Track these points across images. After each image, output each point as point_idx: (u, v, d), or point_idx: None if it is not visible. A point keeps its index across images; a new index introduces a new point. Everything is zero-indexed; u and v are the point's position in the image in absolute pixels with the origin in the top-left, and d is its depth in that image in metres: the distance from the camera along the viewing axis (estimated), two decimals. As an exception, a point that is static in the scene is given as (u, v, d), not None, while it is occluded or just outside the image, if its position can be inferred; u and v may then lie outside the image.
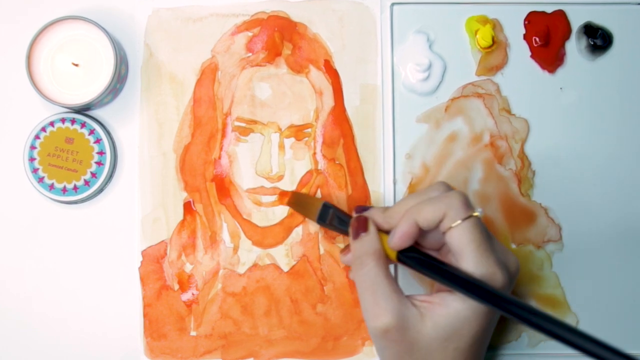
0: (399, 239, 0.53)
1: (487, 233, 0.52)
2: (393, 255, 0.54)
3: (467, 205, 0.52)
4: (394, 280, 0.53)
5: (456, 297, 0.51)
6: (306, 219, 0.64)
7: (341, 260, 0.58)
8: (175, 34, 0.66)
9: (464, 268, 0.51)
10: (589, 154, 0.66)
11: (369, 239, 0.54)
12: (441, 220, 0.51)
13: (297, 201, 0.63)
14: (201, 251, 0.65)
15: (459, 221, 0.51)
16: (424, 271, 0.53)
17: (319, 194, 0.65)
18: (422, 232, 0.53)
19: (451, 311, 0.51)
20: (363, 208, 0.57)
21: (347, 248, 0.57)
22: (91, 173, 0.63)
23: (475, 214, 0.51)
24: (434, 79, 0.65)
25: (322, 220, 0.59)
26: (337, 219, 0.58)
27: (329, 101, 0.65)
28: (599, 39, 0.65)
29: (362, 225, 0.55)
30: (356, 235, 0.55)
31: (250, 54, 0.66)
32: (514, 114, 0.66)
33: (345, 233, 0.58)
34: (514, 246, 0.65)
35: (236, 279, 0.65)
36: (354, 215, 0.57)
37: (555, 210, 0.66)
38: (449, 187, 0.54)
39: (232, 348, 0.64)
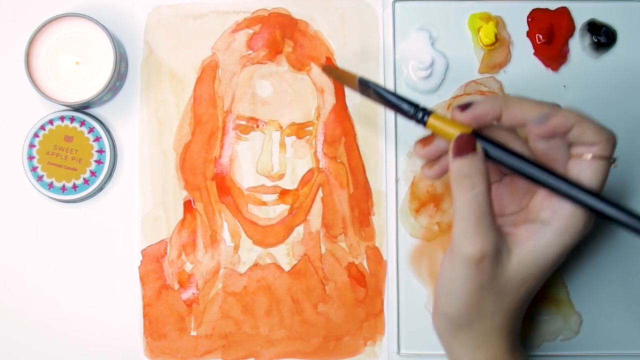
0: (477, 114, 0.49)
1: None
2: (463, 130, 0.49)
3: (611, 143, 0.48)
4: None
5: (546, 230, 0.48)
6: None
7: (425, 174, 0.53)
8: (176, 31, 0.65)
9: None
10: (593, 153, 0.66)
11: (477, 160, 0.48)
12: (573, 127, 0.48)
13: (333, 72, 0.60)
14: (201, 250, 0.64)
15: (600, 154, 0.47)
16: (505, 159, 0.48)
17: (320, 193, 0.65)
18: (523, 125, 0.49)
19: (540, 247, 0.48)
20: (465, 103, 0.50)
21: (430, 163, 0.52)
22: (90, 172, 0.63)
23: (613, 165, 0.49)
24: (436, 77, 0.65)
25: (363, 91, 0.53)
26: (378, 95, 0.52)
27: (330, 99, 0.65)
28: (602, 37, 0.65)
29: (469, 146, 0.48)
30: (460, 154, 0.49)
31: (251, 52, 0.65)
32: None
33: (390, 106, 0.52)
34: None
35: (237, 279, 0.64)
36: (457, 113, 0.49)
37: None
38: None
39: (233, 348, 0.64)
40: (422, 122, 0.50)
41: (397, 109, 0.51)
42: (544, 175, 0.48)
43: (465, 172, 0.48)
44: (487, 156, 0.49)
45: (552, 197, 0.48)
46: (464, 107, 0.49)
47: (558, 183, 0.47)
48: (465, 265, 0.48)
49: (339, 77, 0.59)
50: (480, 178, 0.48)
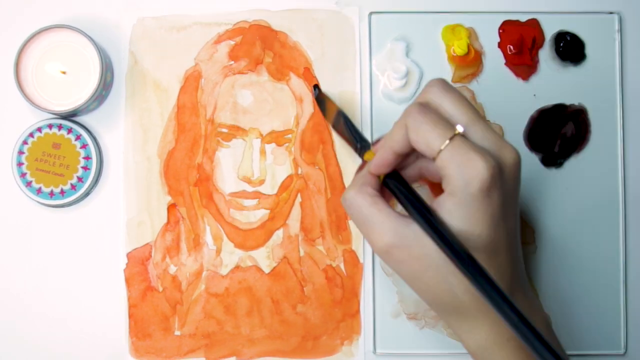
0: (375, 167, 0.51)
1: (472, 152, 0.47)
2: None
3: (438, 121, 0.48)
4: (387, 204, 0.51)
5: (455, 201, 0.47)
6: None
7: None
8: (160, 42, 0.67)
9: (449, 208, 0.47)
10: (562, 159, 0.68)
11: (362, 174, 0.53)
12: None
13: (321, 100, 0.64)
14: (185, 253, 0.66)
15: (437, 148, 0.47)
16: (400, 200, 0.50)
17: (299, 199, 0.67)
18: (408, 156, 0.51)
19: (454, 215, 0.47)
20: (377, 140, 0.54)
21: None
22: (77, 177, 0.65)
23: (457, 131, 0.47)
24: (411, 86, 0.67)
25: (334, 126, 0.60)
26: (346, 127, 0.58)
27: (308, 108, 0.67)
28: (570, 48, 0.67)
29: (360, 168, 0.54)
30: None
31: (232, 62, 0.67)
32: (489, 120, 0.67)
33: (349, 142, 0.57)
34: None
35: (219, 280, 0.66)
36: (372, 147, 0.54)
37: (528, 213, 0.67)
38: (441, 88, 0.50)
39: (215, 347, 0.66)
40: (361, 155, 0.56)
41: (350, 139, 0.57)
42: (406, 204, 0.49)
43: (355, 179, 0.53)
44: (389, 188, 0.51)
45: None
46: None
47: (413, 217, 0.48)
48: (385, 260, 0.50)
49: (322, 103, 0.63)
50: (366, 184, 0.51)
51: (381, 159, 0.50)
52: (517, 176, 0.49)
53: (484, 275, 0.44)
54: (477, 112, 0.50)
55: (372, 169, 0.51)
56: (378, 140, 0.54)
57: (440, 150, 0.47)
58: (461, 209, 0.47)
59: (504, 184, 0.48)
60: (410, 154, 0.51)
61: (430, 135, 0.47)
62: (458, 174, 0.47)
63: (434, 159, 0.48)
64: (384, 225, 0.49)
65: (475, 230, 0.47)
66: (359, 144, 0.56)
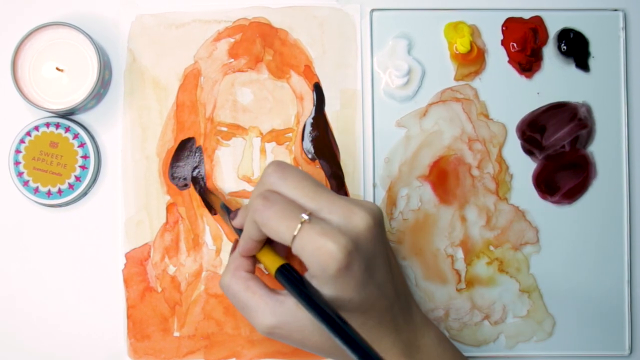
0: (243, 251, 0.54)
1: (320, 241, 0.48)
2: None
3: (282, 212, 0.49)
4: (262, 283, 0.53)
5: (318, 282, 0.49)
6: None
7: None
8: (159, 39, 0.67)
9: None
10: (566, 158, 0.67)
11: (234, 256, 0.55)
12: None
13: (207, 199, 0.65)
14: (184, 253, 0.66)
15: (289, 238, 0.48)
16: (291, 292, 0.50)
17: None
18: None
19: (322, 289, 0.49)
20: (234, 214, 0.57)
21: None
22: (75, 177, 0.64)
23: (302, 219, 0.48)
24: (413, 84, 0.66)
25: (223, 215, 0.61)
26: (225, 213, 0.60)
27: (309, 106, 0.66)
28: (574, 45, 0.66)
29: (233, 247, 0.57)
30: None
31: (232, 60, 0.67)
32: (491, 119, 0.67)
33: (231, 227, 0.59)
34: (492, 248, 0.66)
35: (219, 281, 0.66)
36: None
37: (532, 213, 0.67)
38: (277, 171, 0.51)
39: (215, 348, 0.65)
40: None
41: (230, 224, 0.58)
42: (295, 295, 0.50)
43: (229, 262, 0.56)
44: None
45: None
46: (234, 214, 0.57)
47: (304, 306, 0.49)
48: (270, 338, 0.53)
49: (210, 202, 0.65)
50: (238, 269, 0.54)
51: (246, 246, 0.53)
52: (377, 233, 0.50)
53: (350, 340, 0.46)
54: (320, 186, 0.50)
55: (241, 251, 0.54)
56: (235, 211, 0.57)
57: (293, 239, 0.48)
58: (326, 286, 0.49)
59: (362, 250, 0.49)
60: None
61: (279, 228, 0.49)
62: (313, 261, 0.48)
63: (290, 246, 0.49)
64: (261, 308, 0.51)
65: (345, 296, 0.49)
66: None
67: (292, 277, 0.50)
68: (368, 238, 0.49)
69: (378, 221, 0.50)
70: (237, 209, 0.57)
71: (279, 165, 0.52)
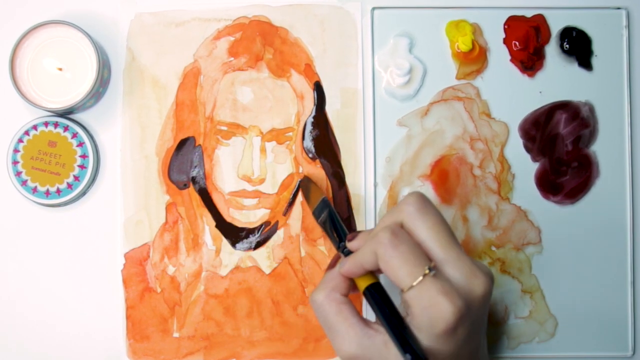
0: (346, 272, 0.52)
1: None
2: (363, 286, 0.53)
3: (414, 258, 0.48)
4: (355, 310, 0.52)
5: (421, 336, 0.48)
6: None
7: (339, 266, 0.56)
8: (158, 38, 0.66)
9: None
10: (568, 157, 0.67)
11: (333, 274, 0.53)
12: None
13: (306, 186, 0.63)
14: (184, 254, 0.65)
15: (406, 285, 0.47)
16: (375, 312, 0.50)
17: (300, 198, 0.66)
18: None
19: (421, 339, 0.48)
20: (353, 235, 0.54)
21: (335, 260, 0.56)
22: (74, 176, 0.64)
23: (426, 272, 0.47)
24: (414, 83, 0.66)
25: (316, 214, 0.59)
26: (330, 222, 0.58)
27: (310, 105, 0.66)
28: (577, 44, 0.66)
29: (332, 262, 0.56)
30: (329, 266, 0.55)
31: (232, 59, 0.66)
32: (493, 118, 0.66)
33: (332, 241, 0.58)
34: (493, 249, 0.66)
35: (218, 281, 0.65)
36: (347, 242, 0.55)
37: (534, 213, 0.66)
38: (418, 206, 0.50)
39: (215, 349, 0.65)
40: (345, 254, 0.55)
41: (333, 237, 0.57)
42: (380, 317, 0.50)
43: (325, 280, 0.54)
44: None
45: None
46: (351, 237, 0.54)
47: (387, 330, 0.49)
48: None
49: (306, 189, 0.63)
50: (335, 289, 0.52)
51: (351, 269, 0.51)
52: (487, 302, 0.50)
53: None
54: (452, 236, 0.50)
55: (343, 271, 0.52)
56: (356, 233, 0.54)
57: (410, 288, 0.47)
58: (427, 340, 0.48)
59: (472, 314, 0.48)
60: None
61: (400, 272, 0.48)
62: (424, 314, 0.47)
63: (402, 291, 0.48)
64: (348, 335, 0.50)
65: (439, 349, 0.48)
66: (343, 243, 0.56)
67: (380, 298, 0.50)
68: (481, 303, 0.49)
69: (492, 288, 0.50)
70: (358, 232, 0.54)
71: (421, 198, 0.50)
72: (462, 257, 0.49)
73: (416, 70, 0.66)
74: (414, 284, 0.47)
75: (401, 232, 0.49)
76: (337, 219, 0.58)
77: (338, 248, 0.56)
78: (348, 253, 0.54)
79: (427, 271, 0.47)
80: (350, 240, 0.54)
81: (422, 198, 0.50)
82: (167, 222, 0.65)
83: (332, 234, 0.57)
